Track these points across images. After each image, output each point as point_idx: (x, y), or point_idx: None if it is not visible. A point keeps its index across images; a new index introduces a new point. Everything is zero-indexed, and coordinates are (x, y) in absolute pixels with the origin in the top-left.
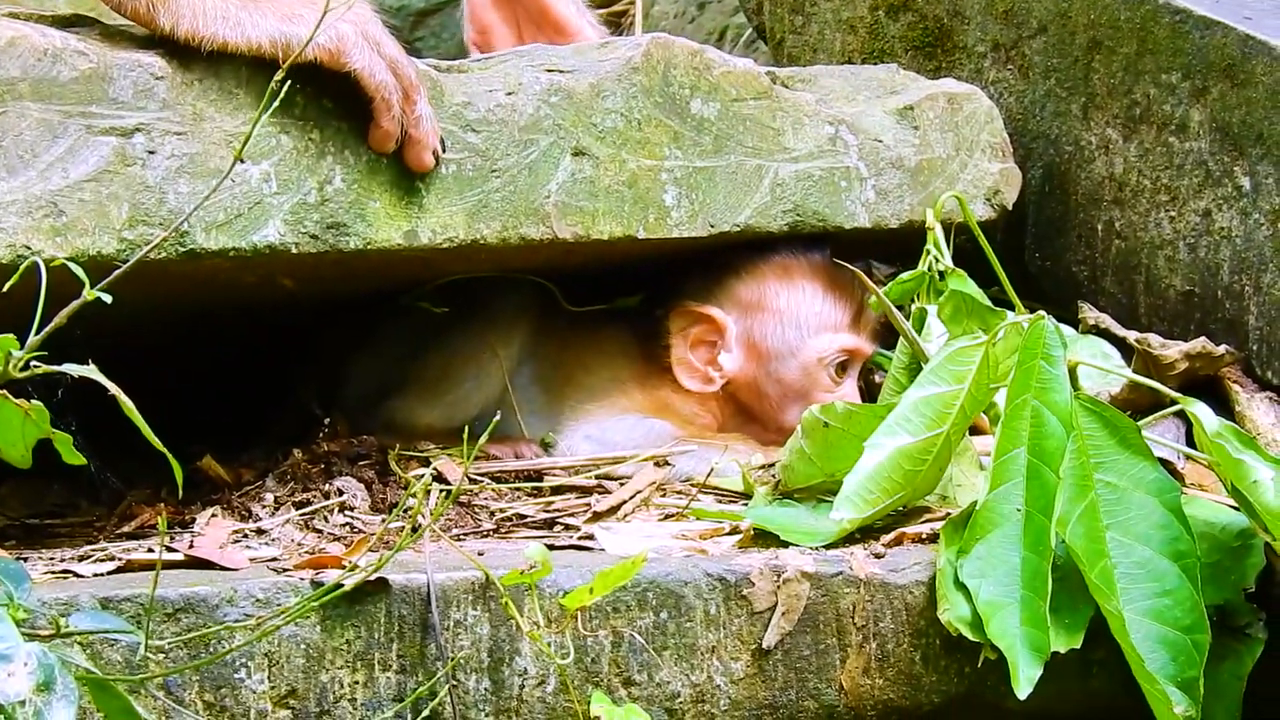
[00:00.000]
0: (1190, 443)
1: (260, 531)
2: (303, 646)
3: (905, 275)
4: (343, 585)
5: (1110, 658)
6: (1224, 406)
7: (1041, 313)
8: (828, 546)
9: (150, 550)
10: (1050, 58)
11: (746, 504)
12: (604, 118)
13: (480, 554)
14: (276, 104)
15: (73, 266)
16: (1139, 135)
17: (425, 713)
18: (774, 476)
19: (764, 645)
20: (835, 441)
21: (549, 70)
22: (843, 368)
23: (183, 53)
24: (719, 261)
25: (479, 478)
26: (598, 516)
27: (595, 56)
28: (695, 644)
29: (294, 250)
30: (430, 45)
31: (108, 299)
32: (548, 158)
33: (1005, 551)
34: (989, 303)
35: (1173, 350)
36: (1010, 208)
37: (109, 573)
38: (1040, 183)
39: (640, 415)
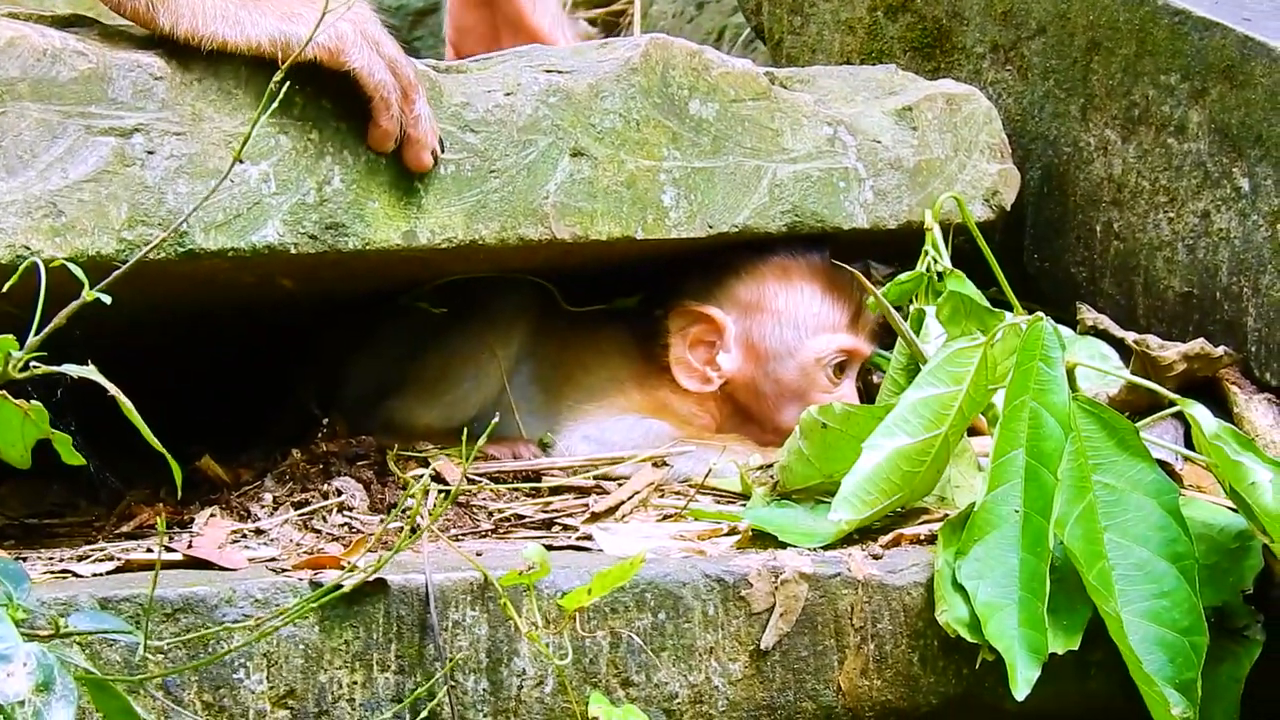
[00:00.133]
0: (1189, 444)
1: (259, 531)
2: (301, 647)
3: (903, 276)
4: (341, 587)
5: (1108, 659)
6: (1222, 408)
7: (1040, 314)
8: (826, 547)
9: (149, 550)
10: (1049, 59)
11: (745, 505)
12: (602, 118)
13: (479, 554)
14: (276, 104)
15: (72, 267)
16: (1138, 136)
17: (424, 713)
18: (772, 477)
19: (762, 646)
20: (833, 442)
21: (547, 71)
22: (841, 368)
23: (182, 53)
24: (718, 262)
25: (477, 478)
26: (596, 517)
27: (594, 57)
28: (693, 645)
29: (293, 250)
30: (429, 45)
31: (107, 300)
32: (546, 158)
33: (1003, 553)
34: (987, 304)
35: (1171, 351)
36: (1008, 209)
37: (108, 573)
38: (1039, 184)
39: (639, 415)
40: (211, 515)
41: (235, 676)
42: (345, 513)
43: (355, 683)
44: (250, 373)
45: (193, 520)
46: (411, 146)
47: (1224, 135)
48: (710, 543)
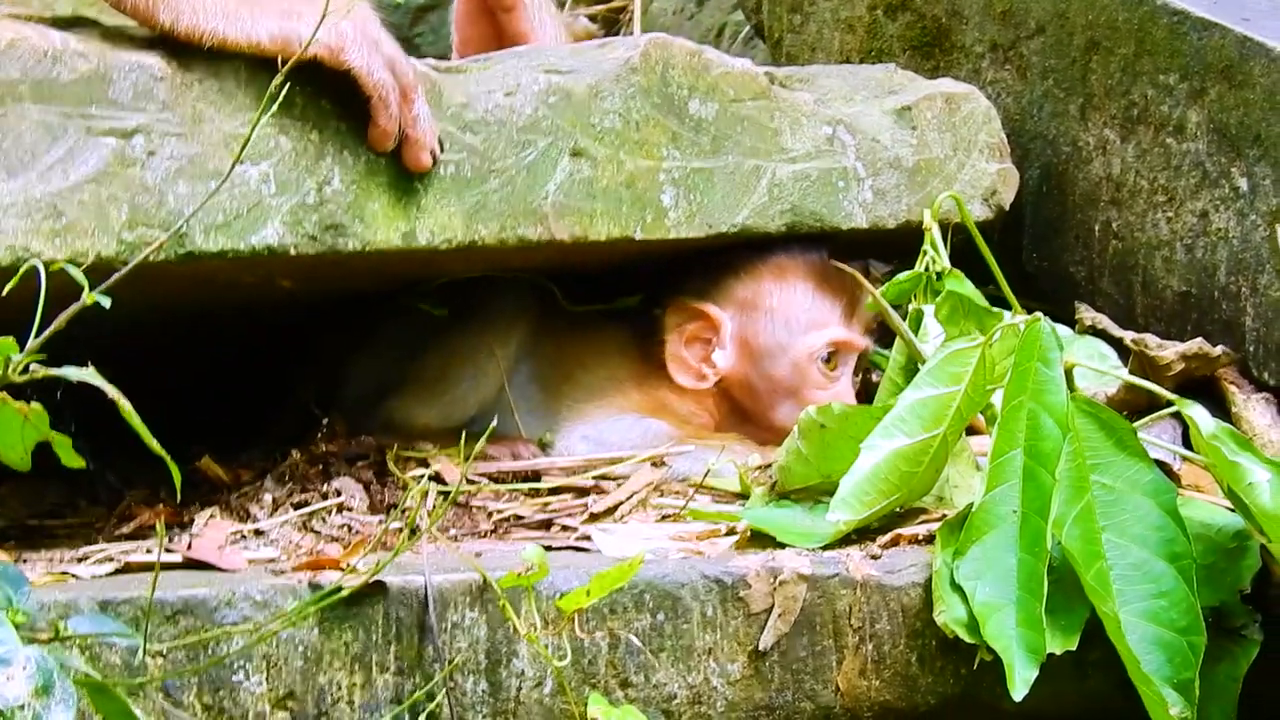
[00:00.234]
0: (1187, 442)
1: (259, 532)
2: (301, 648)
3: (902, 276)
4: (341, 590)
5: (1106, 659)
6: (1221, 407)
7: (1038, 315)
8: (824, 548)
9: (149, 551)
10: (1048, 58)
11: (744, 504)
12: (602, 118)
13: (478, 555)
14: (276, 105)
15: (71, 270)
16: (1136, 136)
17: (423, 715)
18: (771, 477)
19: (760, 647)
20: (832, 443)
21: (547, 71)
22: (835, 362)
23: (182, 54)
24: (717, 260)
25: (477, 478)
26: (595, 517)
27: (593, 57)
28: (692, 645)
29: (293, 251)
30: (429, 41)
31: (106, 302)
32: (546, 158)
33: (1001, 553)
34: (986, 303)
35: (1169, 351)
36: (1007, 208)
37: (108, 574)
38: (1038, 183)
39: (637, 415)
40: (211, 516)
41: (235, 678)
42: (345, 513)
43: (355, 684)
44: (250, 372)
45: (193, 521)
46: (410, 146)
47: (1222, 135)
48: (709, 543)
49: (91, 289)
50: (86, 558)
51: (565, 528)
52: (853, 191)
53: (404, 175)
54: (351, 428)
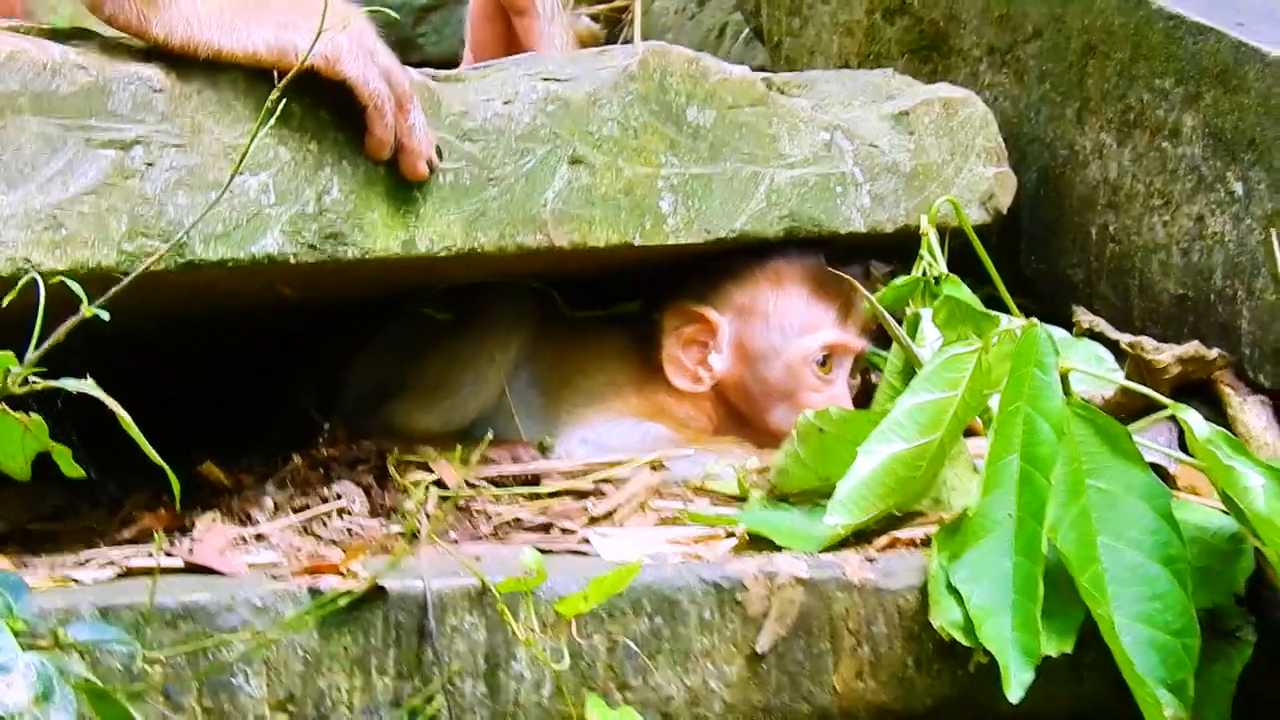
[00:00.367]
0: (1184, 443)
1: (259, 537)
2: (300, 652)
3: (899, 281)
4: (340, 595)
5: (1101, 661)
6: (1217, 409)
7: (1034, 320)
8: (821, 551)
9: (150, 556)
10: (1045, 62)
11: (742, 507)
12: (600, 126)
13: (477, 558)
14: (274, 118)
15: (70, 283)
16: (1133, 140)
17: (422, 718)
18: (769, 480)
19: (758, 649)
20: (829, 446)
21: (545, 79)
22: (828, 363)
23: (181, 65)
24: (715, 265)
25: (477, 482)
26: (594, 520)
27: (592, 65)
28: (690, 649)
29: (292, 260)
30: (432, 41)
31: (105, 316)
32: (544, 166)
33: (997, 557)
34: (983, 308)
35: (1165, 354)
36: (1004, 212)
37: (109, 579)
38: (1035, 186)
39: (636, 419)
40: (212, 520)
41: (235, 682)
42: (345, 517)
43: (354, 688)
44: (251, 377)
45: (194, 525)
46: (406, 156)
47: (1218, 139)
48: (707, 546)
49: (91, 300)
50: (88, 562)
51: (565, 530)
52: (851, 197)
53: (403, 184)
54: (352, 432)
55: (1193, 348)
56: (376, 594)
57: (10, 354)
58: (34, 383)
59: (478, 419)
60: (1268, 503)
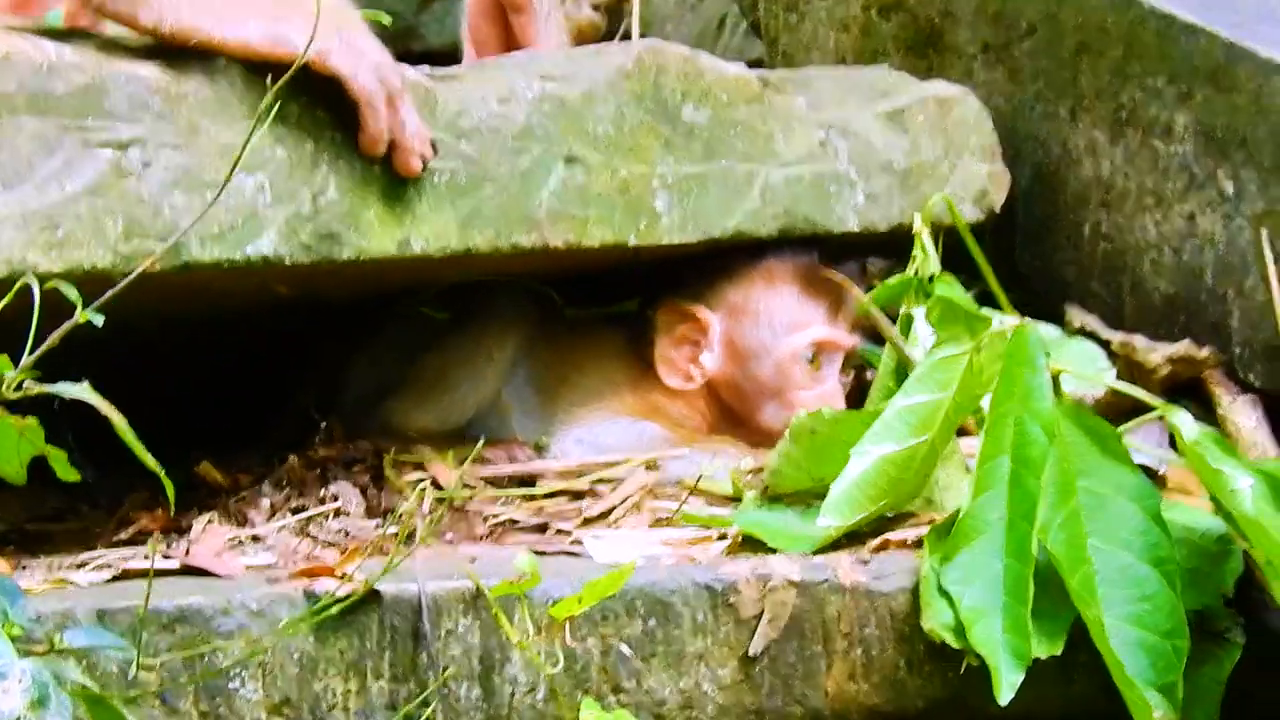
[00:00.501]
0: (1175, 443)
1: (256, 538)
2: (296, 656)
3: (891, 280)
4: (336, 601)
5: (1091, 662)
6: (1207, 408)
7: (1025, 321)
8: (814, 552)
9: (147, 558)
10: (1039, 60)
11: (736, 507)
12: (596, 125)
13: (472, 560)
14: (271, 116)
15: (65, 287)
16: (1125, 138)
17: None
18: (762, 481)
19: (750, 652)
20: (822, 447)
21: (541, 78)
22: (818, 361)
23: (177, 65)
24: (709, 263)
25: (473, 482)
26: (589, 521)
27: (587, 64)
28: (683, 651)
29: (288, 261)
30: (434, 31)
31: (99, 320)
32: (540, 165)
33: (988, 559)
34: (975, 307)
35: (1156, 354)
36: (998, 210)
37: (106, 581)
38: (1029, 183)
39: (631, 418)
40: (209, 521)
41: (231, 686)
42: (342, 518)
43: (349, 691)
44: (249, 376)
45: (191, 526)
46: (399, 152)
47: (1209, 139)
48: (700, 548)
49: (88, 300)
50: (85, 564)
51: (560, 532)
52: (845, 195)
53: (398, 184)
54: (350, 431)
55: (1183, 347)
56: (372, 598)
57: (5, 357)
58: (29, 387)
59: (475, 418)
60: (1256, 505)
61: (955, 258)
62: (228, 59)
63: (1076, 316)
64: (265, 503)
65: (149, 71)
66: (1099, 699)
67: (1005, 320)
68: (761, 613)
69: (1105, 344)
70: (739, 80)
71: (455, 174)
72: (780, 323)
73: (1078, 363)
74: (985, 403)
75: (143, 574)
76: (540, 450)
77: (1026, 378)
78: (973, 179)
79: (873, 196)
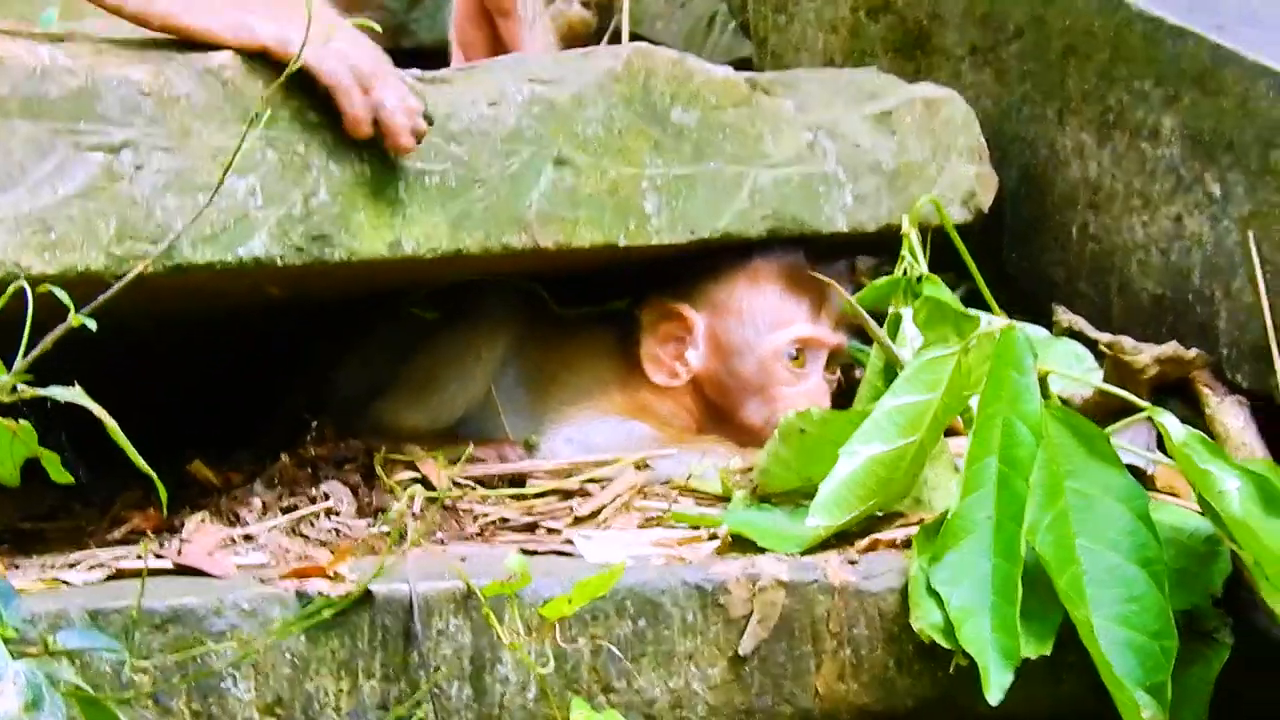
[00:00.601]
0: (1163, 444)
1: (248, 537)
2: (288, 656)
3: (879, 281)
4: (328, 604)
5: (1080, 661)
6: (1195, 408)
7: (1013, 323)
8: (803, 552)
9: (140, 558)
10: (1026, 62)
11: (725, 506)
12: (585, 127)
13: (463, 559)
14: (262, 118)
15: (58, 292)
16: (1112, 140)
17: None
18: (752, 480)
19: (740, 652)
20: (811, 447)
21: (531, 81)
22: (801, 358)
23: (169, 68)
24: (695, 261)
25: (465, 482)
26: (579, 520)
27: (576, 66)
28: (673, 651)
29: (280, 262)
30: (425, 27)
31: (92, 325)
32: (530, 168)
33: (976, 559)
34: (963, 308)
35: (1144, 355)
36: (986, 210)
37: (99, 581)
38: (1017, 184)
39: (620, 418)
40: (201, 520)
41: (223, 685)
42: (332, 518)
43: (341, 691)
44: (241, 376)
45: (183, 525)
46: (385, 135)
47: (1196, 141)
48: (690, 548)
49: (81, 301)
50: (78, 564)
51: (550, 531)
52: (833, 196)
53: (389, 186)
54: (341, 430)
55: (1171, 348)
56: (363, 598)
57: None
58: (22, 391)
59: (465, 417)
60: (1243, 506)
61: (943, 258)
62: (220, 63)
63: (1064, 317)
64: (257, 502)
65: (141, 75)
66: (1088, 699)
67: (993, 321)
68: (751, 613)
69: (1093, 344)
70: (727, 82)
71: (445, 176)
72: (764, 320)
73: (1065, 363)
74: (974, 403)
75: (135, 574)
76: (530, 449)
77: (1014, 379)
78: (960, 180)
79: (861, 197)
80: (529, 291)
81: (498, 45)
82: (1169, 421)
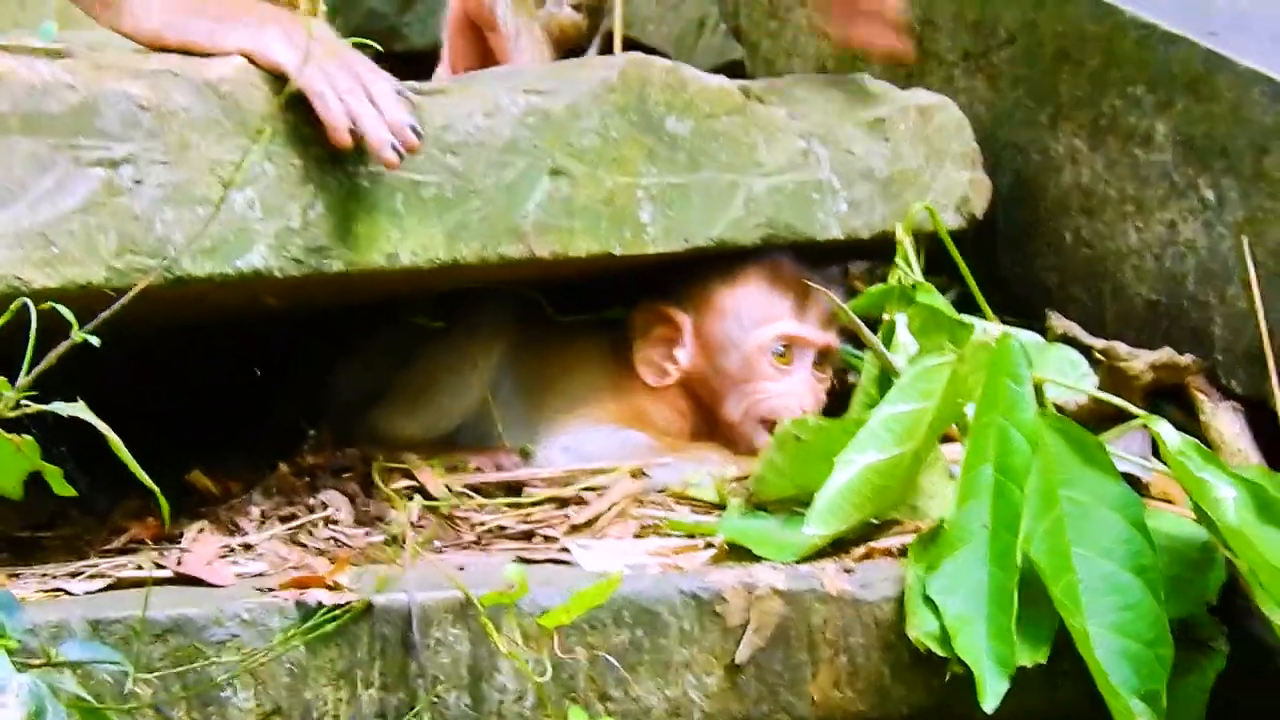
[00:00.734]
0: (1158, 450)
1: (247, 546)
2: (287, 665)
3: (873, 289)
4: (332, 619)
5: (1076, 669)
6: (1190, 414)
7: (1008, 331)
8: (799, 560)
9: (140, 567)
10: (1019, 68)
11: (721, 514)
12: (581, 137)
13: (460, 568)
14: (259, 132)
15: (61, 309)
16: (1106, 146)
17: None
18: (747, 488)
19: (737, 660)
20: (806, 455)
21: (526, 92)
22: (787, 355)
23: (168, 83)
24: (688, 265)
25: (461, 489)
26: (576, 528)
27: (571, 77)
28: (670, 660)
29: (278, 274)
30: (417, 31)
31: (95, 341)
32: (525, 178)
33: (972, 568)
34: (957, 316)
35: (1138, 361)
36: (980, 216)
37: (99, 590)
38: (1010, 190)
39: (615, 426)
40: (200, 530)
41: (223, 695)
42: (331, 526)
43: (340, 699)
44: (238, 383)
45: (182, 534)
46: (368, 147)
47: (1190, 147)
48: (686, 557)
49: (81, 313)
50: (79, 574)
51: (547, 538)
52: (828, 204)
53: (386, 198)
54: (338, 438)
55: (1165, 354)
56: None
57: (3, 379)
58: (26, 406)
59: (461, 425)
60: (1239, 514)
61: (936, 262)
62: (218, 77)
63: (1058, 322)
64: (255, 511)
65: (140, 89)
66: (1083, 707)
67: (988, 328)
68: (748, 621)
69: (1087, 350)
70: (721, 91)
71: (442, 187)
72: (749, 316)
73: (1060, 369)
74: (969, 411)
75: (135, 584)
76: (526, 456)
77: (1010, 388)
78: (954, 186)
79: (855, 204)
80: (524, 299)
81: (487, 56)
82: (1164, 429)
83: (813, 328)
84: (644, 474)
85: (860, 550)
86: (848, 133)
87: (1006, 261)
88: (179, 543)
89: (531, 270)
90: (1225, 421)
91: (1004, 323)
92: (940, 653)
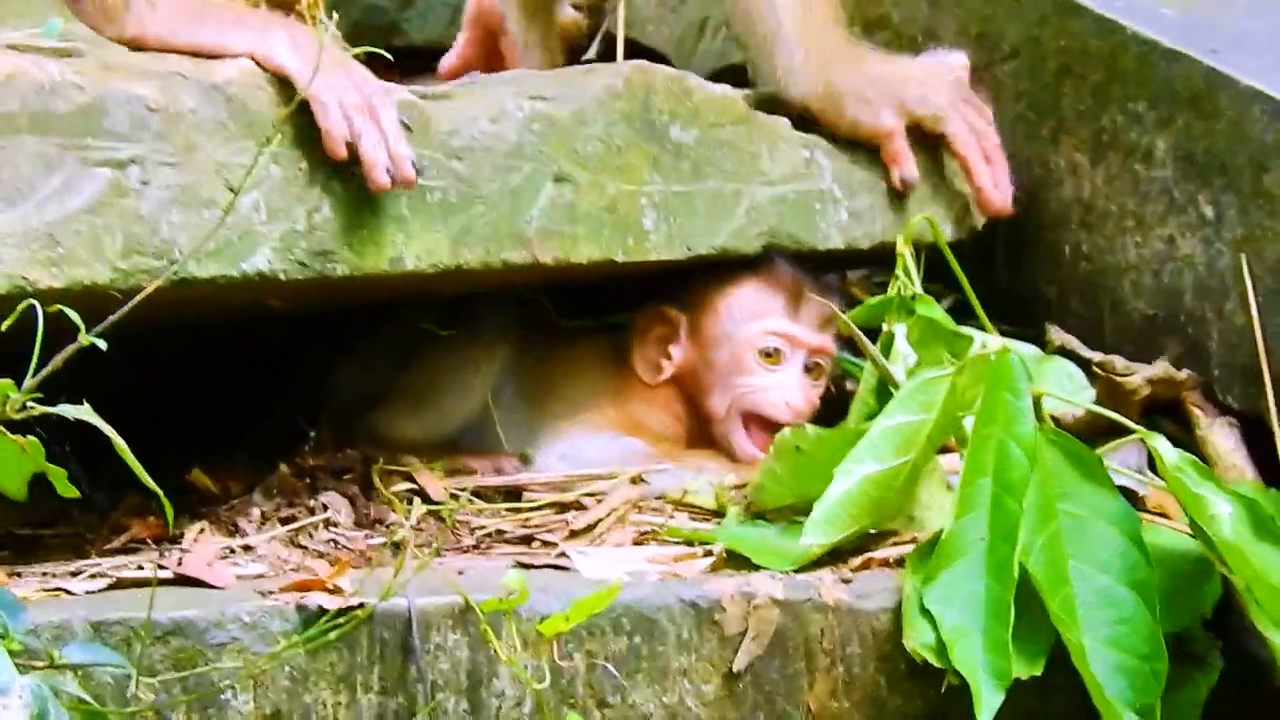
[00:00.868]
0: (1154, 464)
1: (247, 548)
2: (287, 668)
3: (873, 300)
4: (334, 626)
5: (1071, 682)
6: (1186, 429)
7: (1007, 345)
8: (797, 570)
9: (140, 567)
10: (1021, 82)
11: (719, 522)
12: (585, 144)
13: (460, 573)
14: (266, 135)
15: (70, 312)
16: (1106, 161)
17: None
18: (746, 496)
19: (734, 669)
20: (805, 464)
21: (531, 98)
22: (777, 356)
23: (175, 85)
24: (687, 269)
25: (460, 494)
26: (575, 534)
27: (577, 84)
28: (667, 667)
29: (282, 277)
30: (416, 27)
31: (103, 345)
32: (530, 184)
33: (969, 580)
34: (956, 327)
35: (1136, 376)
36: (979, 228)
37: (101, 590)
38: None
39: (614, 433)
40: (201, 530)
41: (223, 697)
42: (331, 528)
43: (339, 703)
44: (240, 384)
45: (183, 535)
46: (362, 166)
47: (1189, 163)
48: (685, 565)
49: (86, 313)
50: (80, 573)
51: (546, 543)
52: (829, 213)
53: (391, 202)
54: (339, 439)
55: (1162, 368)
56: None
57: (9, 381)
58: (32, 408)
59: (462, 428)
60: (1234, 530)
61: (936, 271)
62: (225, 79)
63: (1056, 335)
64: (256, 512)
65: (148, 91)
66: (1079, 718)
67: (987, 341)
68: (745, 630)
69: (1085, 363)
70: (725, 100)
71: (447, 192)
72: (740, 312)
73: (1058, 382)
74: (967, 423)
75: (136, 584)
76: (527, 461)
77: (1009, 402)
78: (955, 197)
79: (856, 214)
80: (526, 303)
81: (495, 56)
82: (1161, 445)
83: (805, 328)
84: (643, 480)
85: (858, 560)
86: (850, 142)
87: (1005, 274)
88: (179, 543)
89: (535, 276)
90: (1221, 437)
91: (1002, 334)
92: (936, 664)
